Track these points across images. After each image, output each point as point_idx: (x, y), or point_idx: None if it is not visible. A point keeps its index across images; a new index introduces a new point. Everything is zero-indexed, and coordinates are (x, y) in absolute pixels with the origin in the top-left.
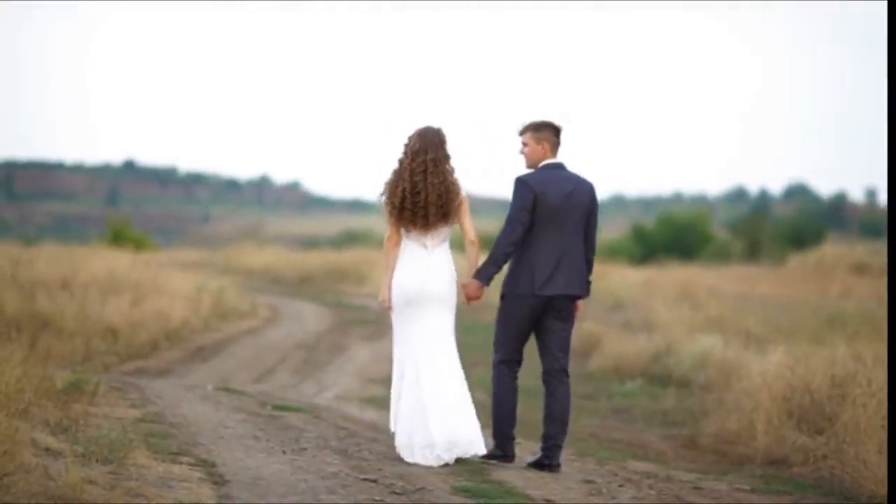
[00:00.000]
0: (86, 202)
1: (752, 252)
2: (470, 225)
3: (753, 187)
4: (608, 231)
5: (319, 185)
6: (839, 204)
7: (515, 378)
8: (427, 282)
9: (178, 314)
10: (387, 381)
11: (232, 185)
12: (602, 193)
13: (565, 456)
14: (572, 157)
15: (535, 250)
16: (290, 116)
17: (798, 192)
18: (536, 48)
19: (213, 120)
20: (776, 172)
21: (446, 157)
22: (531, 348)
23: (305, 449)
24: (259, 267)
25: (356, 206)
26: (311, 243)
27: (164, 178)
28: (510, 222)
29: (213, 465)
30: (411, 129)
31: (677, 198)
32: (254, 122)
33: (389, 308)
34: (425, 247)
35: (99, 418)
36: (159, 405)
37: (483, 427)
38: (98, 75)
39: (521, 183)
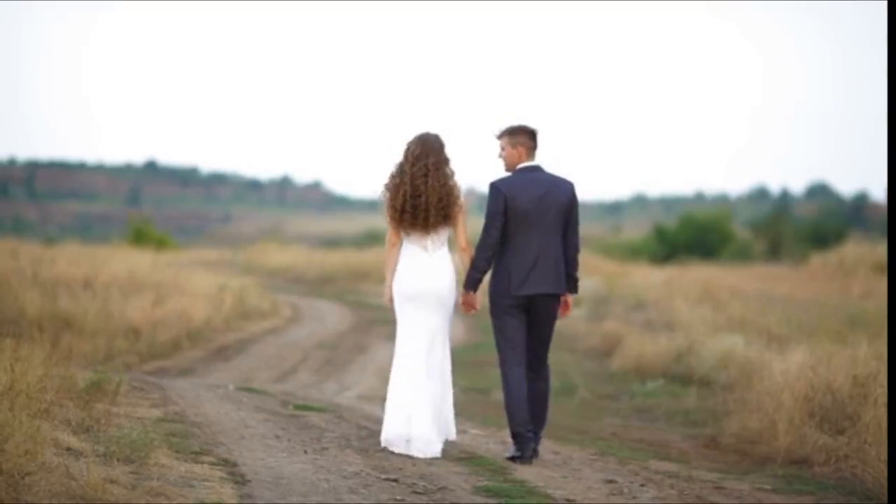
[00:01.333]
0: (107, 202)
1: (774, 252)
2: (463, 232)
3: (775, 187)
4: (630, 231)
5: (341, 184)
6: (861, 203)
7: (520, 376)
8: (427, 283)
9: (199, 314)
10: None
11: (253, 185)
12: (624, 193)
13: (586, 455)
14: (595, 157)
15: (511, 252)
16: (311, 116)
17: (820, 192)
18: (560, 48)
19: (234, 120)
20: (798, 172)
21: (446, 161)
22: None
23: (327, 448)
24: (280, 267)
25: (377, 205)
26: (332, 243)
27: (185, 177)
28: (485, 228)
29: (235, 464)
30: (410, 136)
31: (699, 198)
32: (275, 122)
33: (391, 306)
34: (426, 249)
35: (120, 418)
36: (181, 405)
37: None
38: (120, 75)
39: (492, 188)
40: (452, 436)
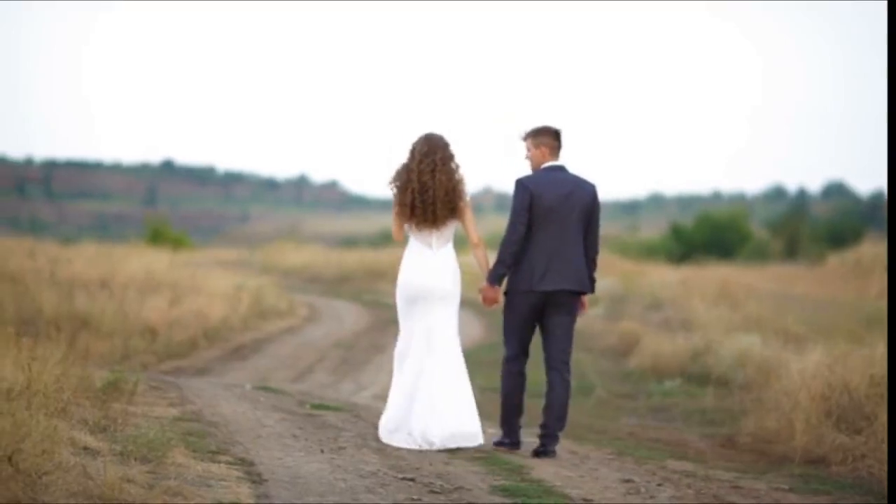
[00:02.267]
0: (124, 201)
1: (791, 251)
2: (473, 228)
3: (792, 186)
4: (647, 230)
5: (358, 184)
6: (878, 203)
7: (523, 372)
8: (431, 280)
9: (216, 313)
10: None
11: (270, 185)
12: (641, 192)
13: (603, 454)
14: (611, 156)
15: (534, 248)
16: (328, 116)
17: (837, 191)
18: (573, 49)
19: (251, 119)
20: (815, 171)
21: (452, 157)
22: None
23: (344, 448)
24: (297, 266)
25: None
26: (349, 242)
27: (202, 177)
28: (511, 223)
29: (252, 463)
30: (415, 136)
31: (716, 197)
32: (292, 122)
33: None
34: (430, 246)
35: (137, 417)
36: (198, 404)
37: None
38: (137, 75)
39: (518, 185)
40: (478, 440)
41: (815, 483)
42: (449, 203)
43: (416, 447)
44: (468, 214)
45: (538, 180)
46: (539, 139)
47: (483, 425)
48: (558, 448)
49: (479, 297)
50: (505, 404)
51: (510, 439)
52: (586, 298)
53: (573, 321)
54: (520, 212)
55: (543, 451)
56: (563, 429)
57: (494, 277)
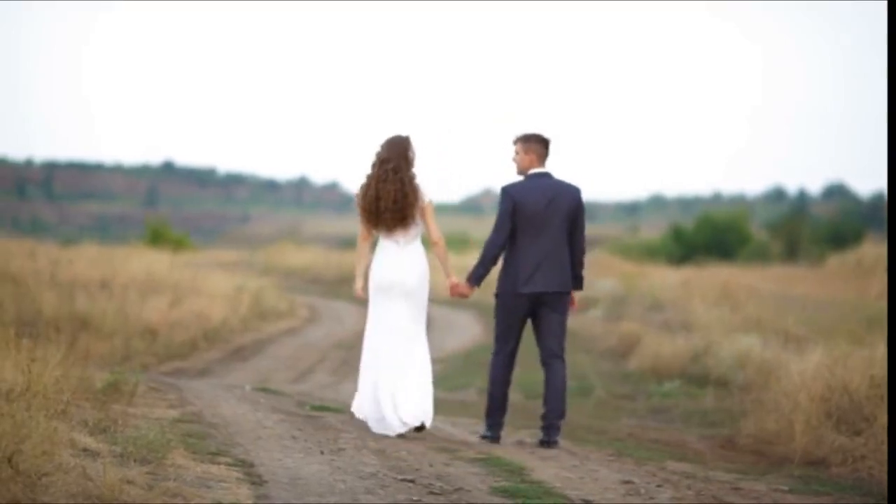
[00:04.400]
0: (125, 203)
1: (791, 252)
2: (433, 227)
3: (792, 187)
4: (647, 231)
5: (358, 185)
6: (878, 204)
7: (509, 366)
8: (398, 275)
9: (216, 314)
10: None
11: (271, 186)
12: (641, 193)
13: (603, 455)
14: (612, 157)
15: (520, 252)
16: (328, 117)
17: (837, 192)
18: (575, 50)
19: (252, 120)
20: (815, 172)
21: (408, 166)
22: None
23: (344, 449)
24: (298, 267)
25: None
26: (349, 243)
27: (203, 178)
28: (494, 228)
29: (252, 465)
30: (383, 139)
31: (716, 198)
32: (293, 123)
33: (361, 297)
34: (397, 243)
35: (137, 418)
36: (198, 405)
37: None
38: (138, 75)
39: (503, 193)
40: (428, 422)
41: (815, 484)
42: (398, 212)
43: (386, 433)
44: (428, 215)
45: (522, 188)
46: (529, 145)
47: (482, 426)
48: (559, 448)
49: (449, 291)
50: (491, 395)
51: (491, 434)
52: (576, 296)
53: (564, 318)
54: (503, 218)
55: (547, 442)
56: (563, 417)
57: (475, 277)
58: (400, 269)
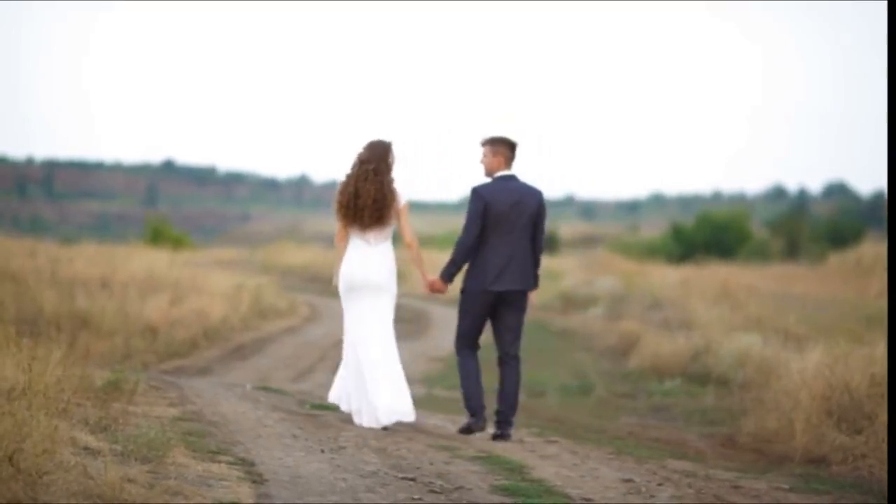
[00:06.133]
0: (125, 201)
1: (792, 251)
2: (407, 229)
3: (792, 186)
4: (647, 230)
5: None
6: (878, 203)
7: (476, 360)
8: (367, 272)
9: (216, 313)
10: (427, 381)
11: (271, 184)
12: (641, 192)
13: (603, 454)
14: (612, 156)
15: (487, 251)
16: (329, 115)
17: (837, 191)
18: (575, 49)
19: (252, 119)
20: (815, 171)
21: (387, 168)
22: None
23: (344, 447)
24: (298, 265)
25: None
26: None
27: (203, 177)
28: (465, 227)
29: (252, 463)
30: (365, 141)
31: (716, 197)
32: (293, 122)
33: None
34: (368, 242)
35: (138, 417)
36: (198, 404)
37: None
38: (137, 75)
39: (474, 192)
40: (411, 417)
41: (815, 483)
42: (376, 212)
43: (365, 426)
44: (403, 217)
45: (492, 189)
46: (497, 148)
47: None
48: (558, 448)
49: (425, 287)
50: (465, 392)
51: (475, 422)
52: (533, 294)
53: (523, 315)
54: (474, 218)
55: (500, 435)
56: (514, 414)
57: (447, 275)
58: (368, 267)
